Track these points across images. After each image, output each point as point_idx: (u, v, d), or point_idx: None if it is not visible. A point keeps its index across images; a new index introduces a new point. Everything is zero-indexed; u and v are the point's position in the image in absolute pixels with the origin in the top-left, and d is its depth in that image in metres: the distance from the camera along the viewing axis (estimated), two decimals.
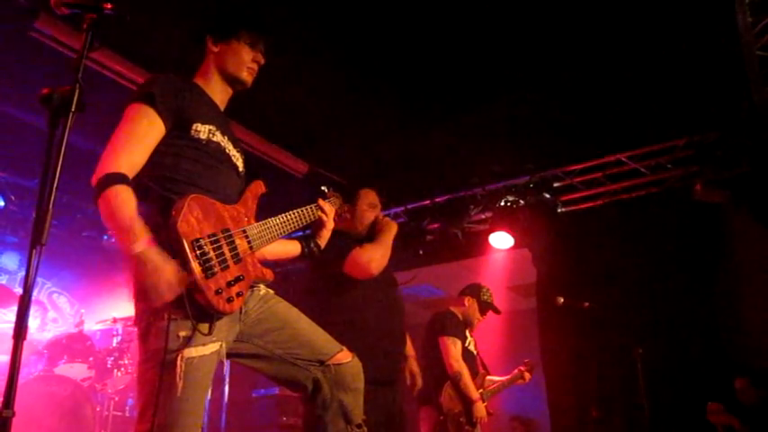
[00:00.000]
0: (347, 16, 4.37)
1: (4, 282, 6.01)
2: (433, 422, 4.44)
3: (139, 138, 1.99)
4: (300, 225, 2.40)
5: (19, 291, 6.26)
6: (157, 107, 2.02)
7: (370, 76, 5.00)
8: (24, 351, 4.44)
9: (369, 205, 3.34)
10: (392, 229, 3.30)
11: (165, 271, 1.79)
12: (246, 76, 2.31)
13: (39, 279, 6.62)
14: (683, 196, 5.48)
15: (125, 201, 1.87)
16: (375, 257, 3.13)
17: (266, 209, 2.32)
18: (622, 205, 5.90)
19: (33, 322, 5.36)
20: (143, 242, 1.81)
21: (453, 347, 4.58)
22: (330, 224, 2.53)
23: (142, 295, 1.87)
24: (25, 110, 5.33)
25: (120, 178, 1.90)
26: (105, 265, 6.59)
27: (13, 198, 6.16)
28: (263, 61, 2.34)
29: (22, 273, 6.62)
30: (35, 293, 6.25)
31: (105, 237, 6.81)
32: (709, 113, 5.22)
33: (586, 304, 4.68)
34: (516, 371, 4.98)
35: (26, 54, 4.55)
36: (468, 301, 4.94)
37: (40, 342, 5.12)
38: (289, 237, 2.39)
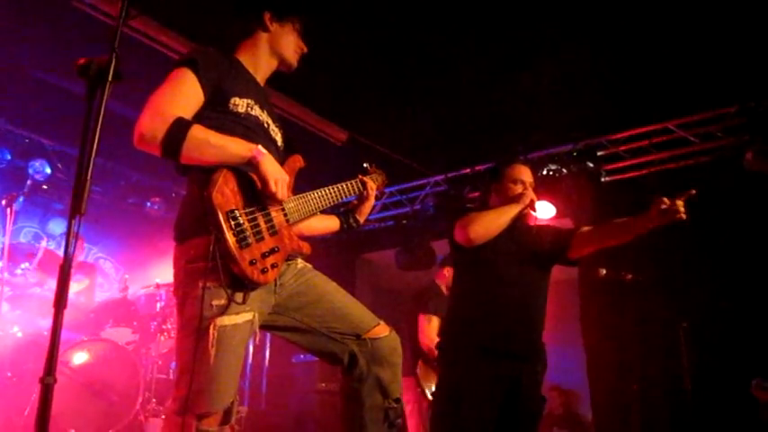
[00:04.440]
0: None
1: (51, 247, 6.17)
2: (414, 393, 4.57)
3: (183, 97, 1.99)
4: (339, 199, 2.40)
5: None
6: (199, 74, 2.02)
7: (410, 43, 4.92)
8: (75, 315, 4.52)
9: (512, 181, 3.17)
10: (515, 203, 3.06)
11: (276, 163, 2.05)
12: (295, 61, 2.36)
13: (85, 245, 6.85)
14: (733, 166, 5.27)
15: (209, 132, 1.94)
16: (473, 223, 2.97)
17: (306, 177, 2.31)
18: (669, 175, 5.72)
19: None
20: (254, 147, 1.98)
21: (427, 325, 4.67)
22: (371, 200, 2.54)
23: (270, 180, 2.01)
24: (69, 78, 5.42)
25: (186, 120, 1.92)
26: (148, 231, 6.72)
27: (59, 165, 6.30)
28: (306, 50, 2.38)
29: None
30: (83, 257, 6.40)
31: (148, 204, 6.93)
32: (761, 79, 5.00)
33: (629, 276, 4.57)
34: None
35: (70, 24, 4.60)
36: (447, 271, 4.89)
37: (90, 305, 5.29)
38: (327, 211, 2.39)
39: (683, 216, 2.70)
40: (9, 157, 6.07)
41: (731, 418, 4.80)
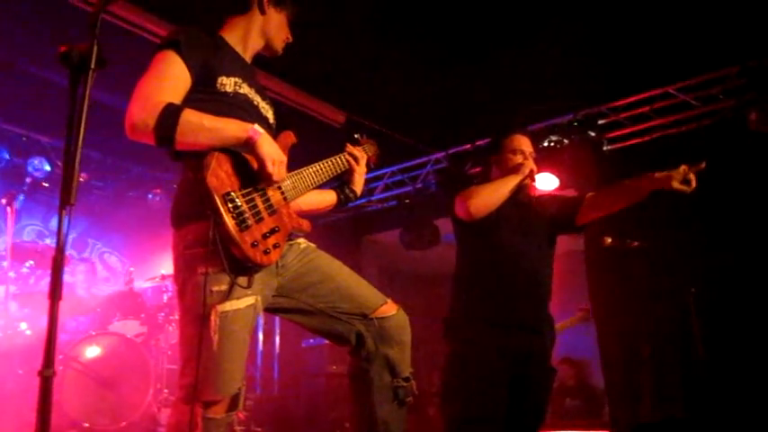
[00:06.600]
0: None
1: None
2: None
3: (171, 81, 1.95)
4: (334, 173, 2.37)
5: (72, 253, 6.45)
6: (183, 55, 1.97)
7: (406, 17, 4.85)
8: (78, 310, 4.53)
9: (511, 151, 3.10)
10: (514, 174, 2.99)
11: (274, 143, 2.01)
12: (281, 49, 2.34)
13: (89, 240, 6.84)
14: (738, 128, 5.20)
15: (202, 115, 1.90)
16: (473, 196, 2.92)
17: (304, 161, 2.28)
18: (672, 140, 5.66)
19: (79, 278, 5.52)
20: (251, 127, 1.94)
21: None
22: (362, 170, 2.49)
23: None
24: (63, 73, 5.36)
25: (177, 106, 1.90)
26: (151, 223, 6.69)
27: (58, 162, 6.27)
28: (291, 41, 2.38)
29: (73, 235, 6.84)
30: (87, 254, 6.40)
31: (150, 196, 6.92)
32: (761, 37, 4.92)
33: (635, 244, 4.52)
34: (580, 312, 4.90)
35: (61, 18, 4.55)
36: None
37: (95, 298, 5.29)
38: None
39: (691, 188, 2.73)
40: (7, 156, 6.06)
41: (744, 384, 4.77)
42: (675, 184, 2.73)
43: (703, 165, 2.70)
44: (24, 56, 5.26)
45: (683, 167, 2.74)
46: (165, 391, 4.98)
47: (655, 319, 5.34)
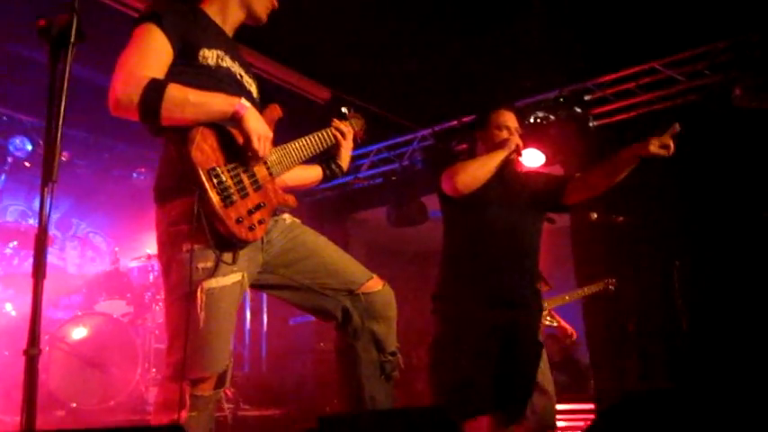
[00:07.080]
0: None
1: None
2: None
3: (153, 55, 1.92)
4: (320, 148, 2.34)
5: (56, 233, 6.40)
6: (164, 27, 1.94)
7: None
8: (70, 288, 4.51)
9: (497, 127, 3.09)
10: (500, 149, 2.98)
11: (260, 118, 1.99)
12: (265, 16, 2.28)
13: (74, 220, 6.78)
14: (723, 103, 5.21)
15: (187, 89, 1.88)
16: (459, 172, 2.91)
17: (289, 138, 2.26)
18: (658, 116, 5.66)
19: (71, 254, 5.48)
20: (237, 102, 1.92)
21: None
22: (348, 144, 2.46)
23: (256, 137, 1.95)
24: (44, 51, 5.26)
25: (161, 81, 1.87)
26: (136, 202, 6.62)
27: (41, 142, 6.18)
28: (277, 7, 2.31)
29: (57, 215, 6.76)
30: (71, 234, 6.35)
31: (134, 174, 6.84)
32: (747, 12, 4.91)
33: (621, 218, 4.56)
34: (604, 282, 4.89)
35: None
36: None
37: (85, 276, 5.28)
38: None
39: (670, 152, 2.75)
40: None
41: (727, 355, 4.84)
42: (653, 149, 2.74)
43: (677, 127, 2.70)
44: (3, 33, 5.15)
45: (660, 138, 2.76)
46: (153, 370, 4.99)
47: (639, 292, 5.38)
